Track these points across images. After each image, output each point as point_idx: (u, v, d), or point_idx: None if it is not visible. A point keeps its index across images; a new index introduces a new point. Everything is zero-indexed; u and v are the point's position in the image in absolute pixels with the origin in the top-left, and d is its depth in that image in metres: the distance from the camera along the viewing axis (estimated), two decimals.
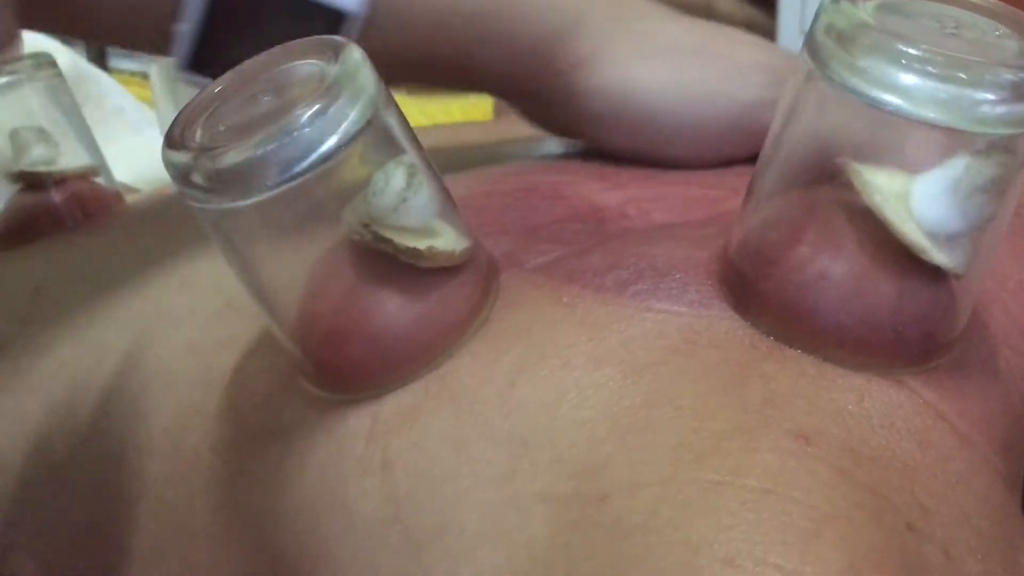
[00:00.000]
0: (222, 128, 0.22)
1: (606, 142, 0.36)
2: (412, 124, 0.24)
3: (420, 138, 0.24)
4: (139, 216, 0.41)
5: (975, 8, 0.22)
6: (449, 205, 0.25)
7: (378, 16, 0.33)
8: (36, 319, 0.35)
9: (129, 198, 0.44)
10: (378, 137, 0.23)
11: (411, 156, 0.24)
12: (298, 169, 0.21)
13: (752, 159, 0.33)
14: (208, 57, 0.33)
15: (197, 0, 0.31)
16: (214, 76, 0.24)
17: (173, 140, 0.22)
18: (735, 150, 0.35)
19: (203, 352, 0.30)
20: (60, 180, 0.41)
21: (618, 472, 0.20)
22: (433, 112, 0.87)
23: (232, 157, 0.21)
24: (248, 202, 0.22)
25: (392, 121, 0.23)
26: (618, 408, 0.22)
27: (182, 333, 0.31)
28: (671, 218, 0.29)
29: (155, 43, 0.33)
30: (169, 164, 0.21)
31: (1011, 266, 0.27)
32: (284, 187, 0.21)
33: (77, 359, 0.33)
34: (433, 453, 0.23)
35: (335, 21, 0.32)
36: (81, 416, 0.32)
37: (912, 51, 0.19)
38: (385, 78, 0.41)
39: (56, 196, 0.41)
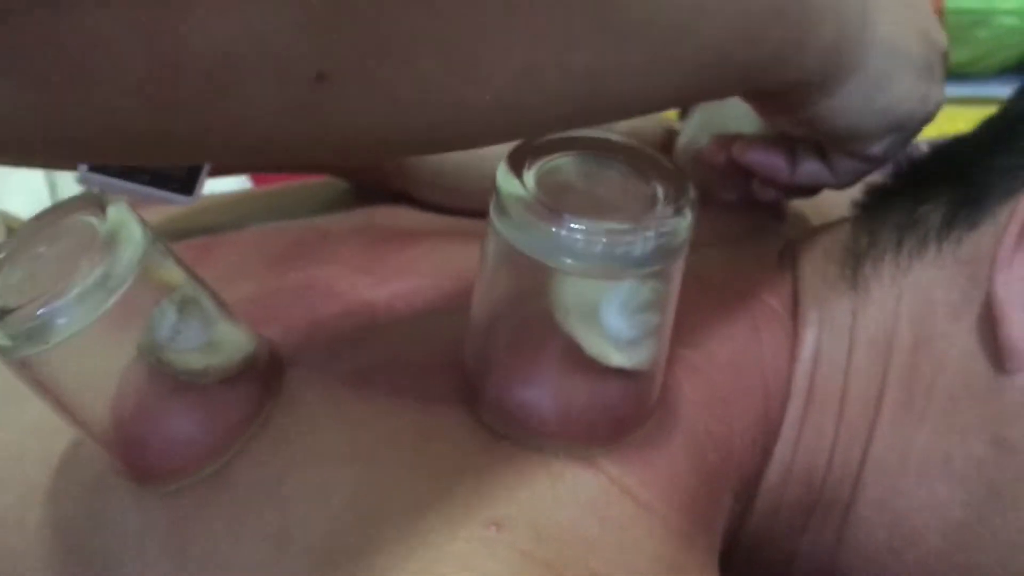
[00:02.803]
0: (14, 286, 0.26)
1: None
2: None
3: None
4: None
5: (626, 155, 0.26)
6: (227, 316, 0.29)
7: None
8: None
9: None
10: (150, 275, 0.27)
11: (184, 288, 0.28)
12: (82, 319, 0.25)
13: None
14: None
15: None
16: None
17: None
18: None
19: (45, 434, 0.34)
20: None
21: (355, 561, 0.25)
22: None
23: (31, 315, 0.25)
24: (46, 348, 0.25)
25: (162, 260, 0.27)
26: (362, 502, 0.26)
27: (26, 414, 0.35)
28: (431, 308, 0.34)
29: None
30: None
31: (719, 344, 0.32)
32: (76, 331, 0.25)
33: None
34: (217, 541, 0.27)
35: None
36: None
37: (572, 224, 0.24)
38: None
39: None
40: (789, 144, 0.37)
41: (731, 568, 0.31)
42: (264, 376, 0.30)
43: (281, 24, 0.16)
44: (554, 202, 0.24)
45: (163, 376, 0.28)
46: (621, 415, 0.28)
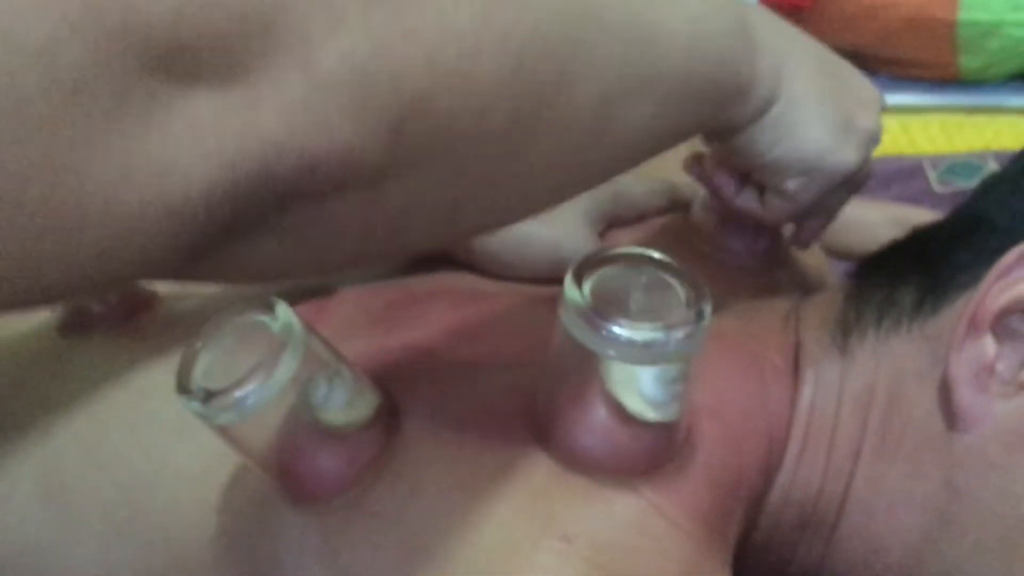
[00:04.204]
0: (211, 371, 0.36)
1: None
2: None
3: None
4: (169, 323, 0.52)
5: (659, 267, 0.36)
6: (360, 379, 0.39)
7: None
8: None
9: (168, 301, 0.53)
10: (308, 359, 0.37)
11: (331, 366, 0.38)
12: (267, 398, 0.35)
13: None
14: None
15: None
16: None
17: (184, 388, 0.35)
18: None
19: (213, 459, 0.44)
20: None
21: (462, 566, 0.35)
22: None
23: (231, 398, 0.35)
24: (242, 418, 0.35)
25: (315, 345, 0.37)
26: (465, 521, 0.36)
27: (193, 442, 0.45)
28: (509, 364, 0.43)
29: None
30: (185, 406, 0.35)
31: (732, 392, 0.42)
32: (257, 411, 0.35)
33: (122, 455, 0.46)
34: (361, 548, 0.37)
35: None
36: (136, 493, 0.45)
37: (616, 329, 0.33)
38: None
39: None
40: (740, 177, 0.47)
41: (741, 568, 0.40)
42: (386, 423, 0.40)
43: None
44: (603, 310, 0.34)
45: (314, 428, 0.38)
46: (655, 453, 0.38)
